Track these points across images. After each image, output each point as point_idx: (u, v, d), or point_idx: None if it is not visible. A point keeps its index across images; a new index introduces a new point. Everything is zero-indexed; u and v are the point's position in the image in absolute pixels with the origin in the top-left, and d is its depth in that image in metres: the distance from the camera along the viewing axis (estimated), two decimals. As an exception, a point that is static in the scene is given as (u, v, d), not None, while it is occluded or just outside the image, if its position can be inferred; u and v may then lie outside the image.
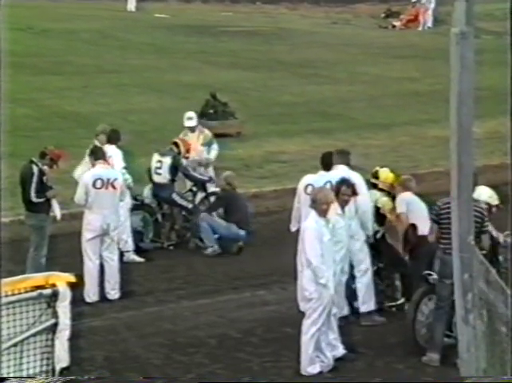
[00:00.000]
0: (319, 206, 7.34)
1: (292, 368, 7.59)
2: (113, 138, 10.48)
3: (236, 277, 9.90)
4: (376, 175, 8.89)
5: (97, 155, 9.57)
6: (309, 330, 7.39)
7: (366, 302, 8.45)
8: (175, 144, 11.13)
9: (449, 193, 5.13)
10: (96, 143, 10.53)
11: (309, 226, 7.32)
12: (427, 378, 7.34)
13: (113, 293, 9.14)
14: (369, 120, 17.53)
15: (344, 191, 7.81)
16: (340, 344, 7.66)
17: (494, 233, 8.15)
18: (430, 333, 7.71)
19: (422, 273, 8.09)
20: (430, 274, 7.84)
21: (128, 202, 10.26)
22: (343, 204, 7.82)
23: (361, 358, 7.73)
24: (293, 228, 8.94)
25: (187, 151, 11.25)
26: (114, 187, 9.24)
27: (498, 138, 15.60)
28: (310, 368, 7.38)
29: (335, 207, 7.66)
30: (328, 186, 8.49)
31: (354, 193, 7.95)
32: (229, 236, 10.67)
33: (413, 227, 8.53)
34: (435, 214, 7.71)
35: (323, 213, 7.34)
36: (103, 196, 9.22)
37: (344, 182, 7.93)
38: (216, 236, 10.68)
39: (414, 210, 8.57)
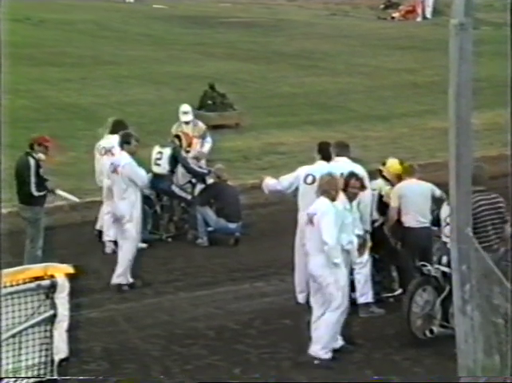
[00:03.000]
0: (329, 192, 7.42)
1: (290, 359, 7.60)
2: (118, 129, 10.45)
3: (234, 269, 9.90)
4: (384, 163, 8.94)
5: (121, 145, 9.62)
6: (332, 318, 7.35)
7: (364, 294, 8.46)
8: (177, 137, 11.11)
9: (448, 184, 5.13)
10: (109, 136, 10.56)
11: (327, 210, 7.36)
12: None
13: (117, 280, 9.11)
14: (368, 111, 17.51)
15: (353, 185, 7.79)
16: (338, 335, 7.68)
17: None
18: (426, 324, 7.73)
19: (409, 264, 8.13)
20: (424, 265, 7.85)
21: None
22: (352, 197, 7.79)
23: (359, 350, 7.74)
24: (270, 182, 8.81)
25: (189, 145, 11.24)
26: (117, 172, 9.26)
27: (497, 129, 15.59)
28: (323, 352, 7.39)
29: (343, 200, 7.69)
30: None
31: (363, 187, 7.95)
32: (219, 230, 10.69)
33: (398, 221, 8.56)
34: None
35: (333, 199, 7.43)
36: (113, 180, 9.37)
37: (353, 175, 7.90)
38: (210, 229, 10.71)
39: (406, 203, 8.57)
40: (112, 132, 10.36)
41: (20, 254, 9.25)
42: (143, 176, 9.40)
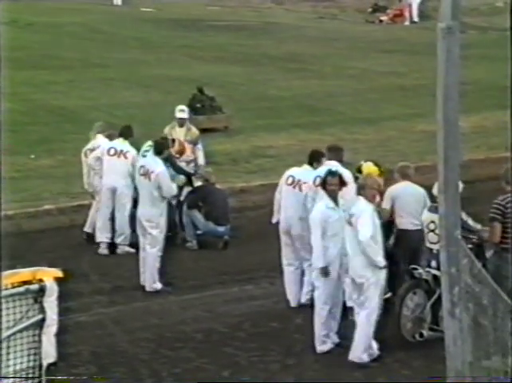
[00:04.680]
0: (368, 191, 7.50)
1: (278, 362, 7.60)
2: (126, 133, 10.49)
3: (223, 272, 9.90)
4: (360, 170, 8.92)
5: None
6: (368, 319, 7.35)
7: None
8: (173, 141, 11.05)
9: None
10: (96, 139, 10.59)
11: (367, 209, 7.40)
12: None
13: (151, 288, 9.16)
14: (356, 114, 17.55)
15: (330, 181, 7.85)
16: (328, 339, 7.70)
17: (472, 223, 8.04)
18: (416, 328, 7.76)
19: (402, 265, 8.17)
20: (415, 269, 7.87)
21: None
22: (332, 195, 7.85)
23: (348, 352, 7.72)
24: (274, 220, 8.99)
25: (181, 152, 11.18)
26: (150, 178, 9.36)
27: (483, 132, 15.67)
28: (365, 355, 7.40)
29: (325, 199, 7.77)
30: (317, 181, 8.52)
31: (342, 183, 7.98)
32: (207, 233, 10.69)
33: (391, 222, 8.57)
34: (499, 213, 7.49)
35: (372, 199, 7.51)
36: (141, 184, 9.51)
37: (329, 173, 7.99)
38: (199, 232, 10.70)
39: (401, 205, 8.58)
40: (122, 136, 10.43)
41: (7, 257, 9.17)
42: (172, 188, 9.47)
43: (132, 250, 10.23)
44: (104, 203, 10.34)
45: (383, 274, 7.45)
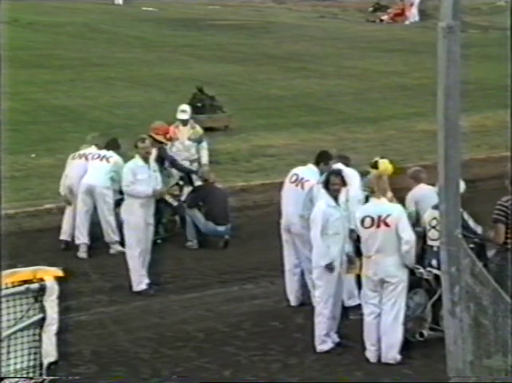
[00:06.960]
0: (380, 193, 7.62)
1: (279, 361, 7.60)
2: (112, 146, 10.53)
3: (224, 271, 9.90)
4: (375, 166, 8.89)
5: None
6: (398, 319, 7.42)
7: (353, 296, 8.48)
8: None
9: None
10: (86, 148, 10.68)
11: (402, 210, 7.54)
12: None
13: (137, 288, 9.12)
14: (357, 113, 17.55)
15: (332, 181, 7.85)
16: (329, 338, 7.71)
17: (472, 224, 8.02)
18: (417, 327, 7.75)
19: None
20: (417, 268, 7.86)
21: (112, 196, 10.30)
22: (334, 194, 7.86)
23: (349, 352, 7.75)
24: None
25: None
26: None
27: (484, 132, 15.68)
28: (397, 354, 7.46)
29: (326, 197, 7.79)
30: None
31: (344, 183, 7.98)
32: (208, 232, 10.69)
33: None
34: (502, 215, 7.50)
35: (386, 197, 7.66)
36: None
37: (332, 172, 7.99)
38: (199, 231, 10.70)
39: (423, 207, 8.50)
40: (107, 147, 10.51)
41: (18, 255, 9.18)
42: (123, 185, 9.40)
43: (124, 249, 10.22)
44: (82, 203, 10.23)
45: (408, 274, 7.57)
